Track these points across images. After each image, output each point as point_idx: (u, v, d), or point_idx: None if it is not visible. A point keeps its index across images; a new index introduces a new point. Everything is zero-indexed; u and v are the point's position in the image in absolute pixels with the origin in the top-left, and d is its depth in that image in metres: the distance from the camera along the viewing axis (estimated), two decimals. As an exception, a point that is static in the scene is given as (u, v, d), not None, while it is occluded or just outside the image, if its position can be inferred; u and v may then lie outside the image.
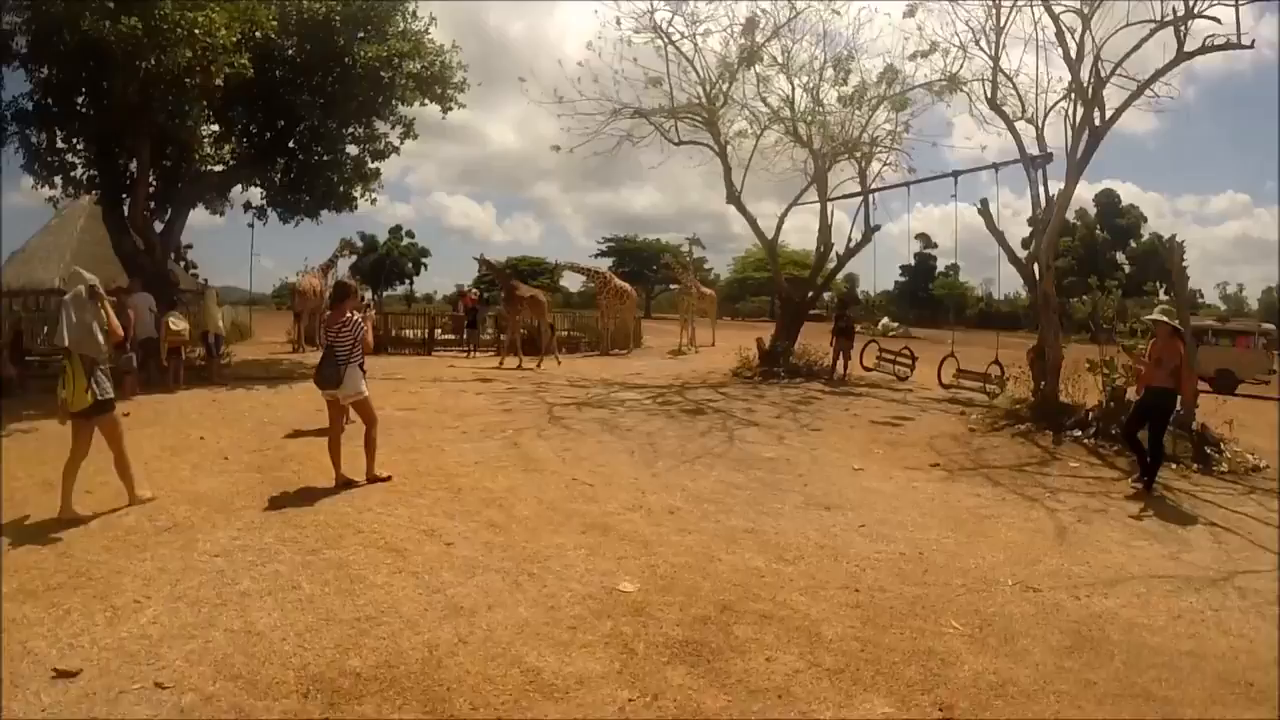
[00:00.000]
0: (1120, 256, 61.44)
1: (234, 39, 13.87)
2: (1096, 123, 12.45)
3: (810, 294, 19.48)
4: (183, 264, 76.83)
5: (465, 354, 22.00)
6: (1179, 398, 8.96)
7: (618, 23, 17.17)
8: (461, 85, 17.67)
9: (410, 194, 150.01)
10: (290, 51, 16.11)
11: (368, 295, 28.23)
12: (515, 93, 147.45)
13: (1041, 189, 13.65)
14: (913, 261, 69.67)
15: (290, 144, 17.76)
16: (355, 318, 7.24)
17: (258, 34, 15.36)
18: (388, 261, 68.44)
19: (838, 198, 19.03)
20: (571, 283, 73.25)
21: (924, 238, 67.39)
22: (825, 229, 18.73)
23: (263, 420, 10.81)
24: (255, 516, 6.40)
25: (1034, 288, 13.74)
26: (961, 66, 16.01)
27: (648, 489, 7.50)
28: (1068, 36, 12.72)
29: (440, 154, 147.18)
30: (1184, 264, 11.86)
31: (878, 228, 18.57)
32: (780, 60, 17.34)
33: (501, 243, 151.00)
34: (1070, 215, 58.84)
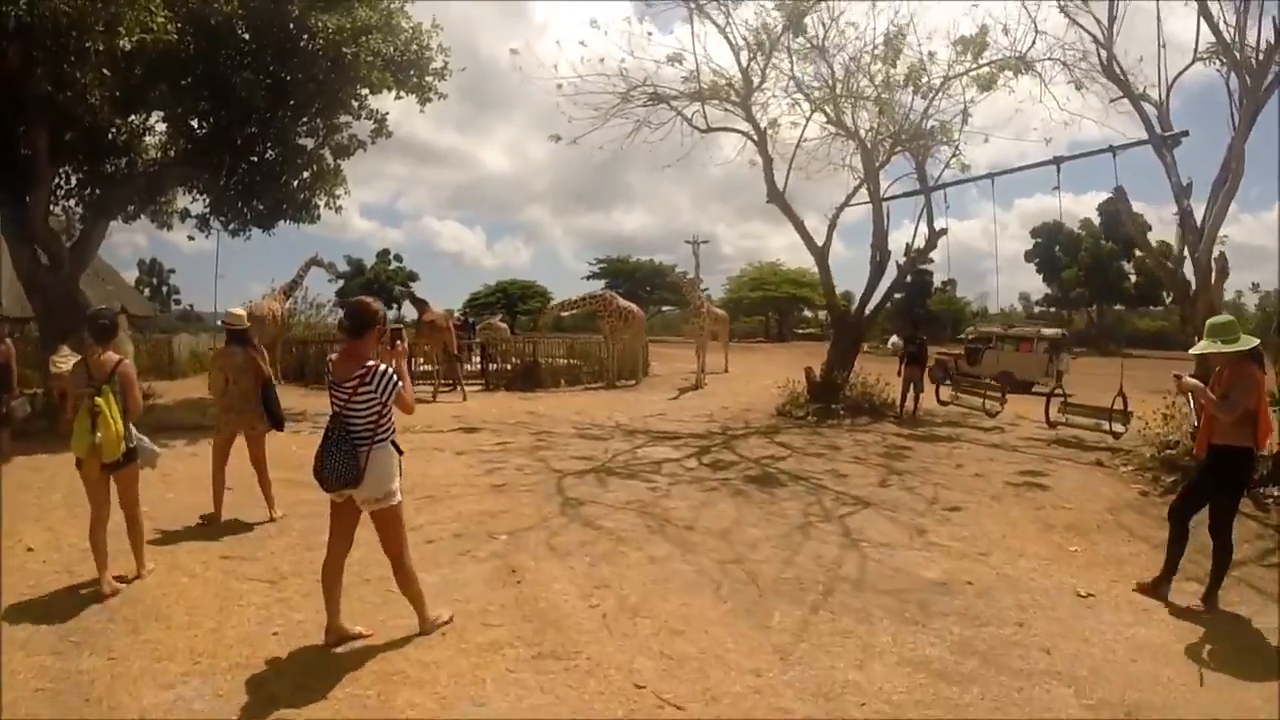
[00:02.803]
0: (1126, 266, 58.01)
1: None
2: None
3: (868, 313, 15.56)
4: (164, 289, 73.34)
5: (450, 389, 18.01)
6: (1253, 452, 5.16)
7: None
8: (442, 72, 13.92)
9: (402, 219, 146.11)
10: (233, 21, 12.33)
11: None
12: (506, 117, 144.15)
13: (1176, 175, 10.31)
14: (908, 278, 66.28)
15: (236, 139, 13.80)
16: (380, 366, 3.94)
17: None
18: (375, 286, 64.27)
19: (897, 196, 15.40)
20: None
21: (918, 252, 63.89)
22: (881, 234, 15.04)
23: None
24: None
25: (1185, 296, 10.12)
26: (1033, 44, 12.78)
27: (793, 711, 3.60)
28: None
29: (432, 178, 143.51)
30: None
31: (943, 231, 14.93)
32: (819, 37, 13.63)
33: (492, 266, 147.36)
34: (1074, 225, 55.72)
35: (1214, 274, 9.39)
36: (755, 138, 14.24)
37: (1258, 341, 5.12)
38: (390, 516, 4.10)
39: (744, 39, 13.29)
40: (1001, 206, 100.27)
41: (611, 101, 13.31)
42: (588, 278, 63.59)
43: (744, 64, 13.41)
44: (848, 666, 4.02)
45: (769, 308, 64.37)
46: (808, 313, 70.99)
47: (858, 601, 4.97)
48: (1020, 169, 13.89)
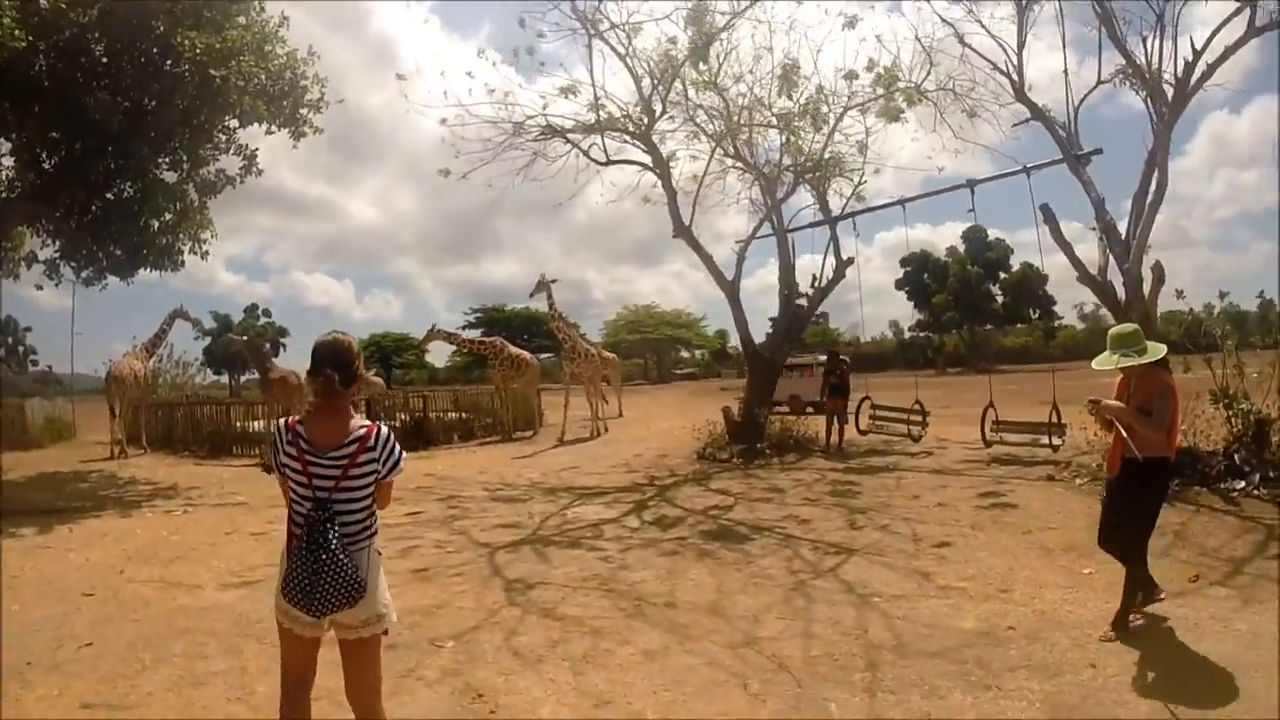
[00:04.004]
0: (995, 289, 62.37)
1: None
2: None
3: (782, 348, 15.10)
4: (20, 349, 65.62)
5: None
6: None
7: (521, 24, 12.73)
8: (317, 104, 12.65)
9: (269, 272, 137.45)
10: (88, 36, 10.83)
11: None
12: (374, 167, 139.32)
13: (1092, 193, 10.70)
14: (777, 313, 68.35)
15: (89, 173, 11.94)
16: (381, 426, 2.98)
17: (43, 3, 10.21)
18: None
19: (802, 227, 15.20)
20: (437, 356, 67.37)
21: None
22: (787, 269, 14.76)
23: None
24: None
25: (1117, 309, 10.18)
26: (928, 75, 13.15)
27: None
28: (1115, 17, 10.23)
29: (299, 230, 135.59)
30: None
31: (850, 261, 14.74)
32: (714, 70, 13.33)
33: (362, 319, 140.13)
34: (943, 254, 59.39)
35: (1149, 282, 9.53)
36: (657, 170, 13.64)
37: (1165, 349, 4.82)
38: (376, 644, 2.96)
39: (646, 67, 12.76)
40: (863, 241, 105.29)
41: (501, 135, 12.43)
42: (464, 327, 61.49)
43: (645, 93, 12.85)
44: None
45: (647, 350, 64.47)
46: (684, 353, 71.76)
47: (911, 672, 4.20)
48: (932, 194, 13.98)
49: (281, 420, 2.95)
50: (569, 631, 4.97)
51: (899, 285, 63.82)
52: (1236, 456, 8.39)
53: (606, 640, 4.77)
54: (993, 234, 60.02)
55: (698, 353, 72.47)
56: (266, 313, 72.56)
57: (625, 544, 7.40)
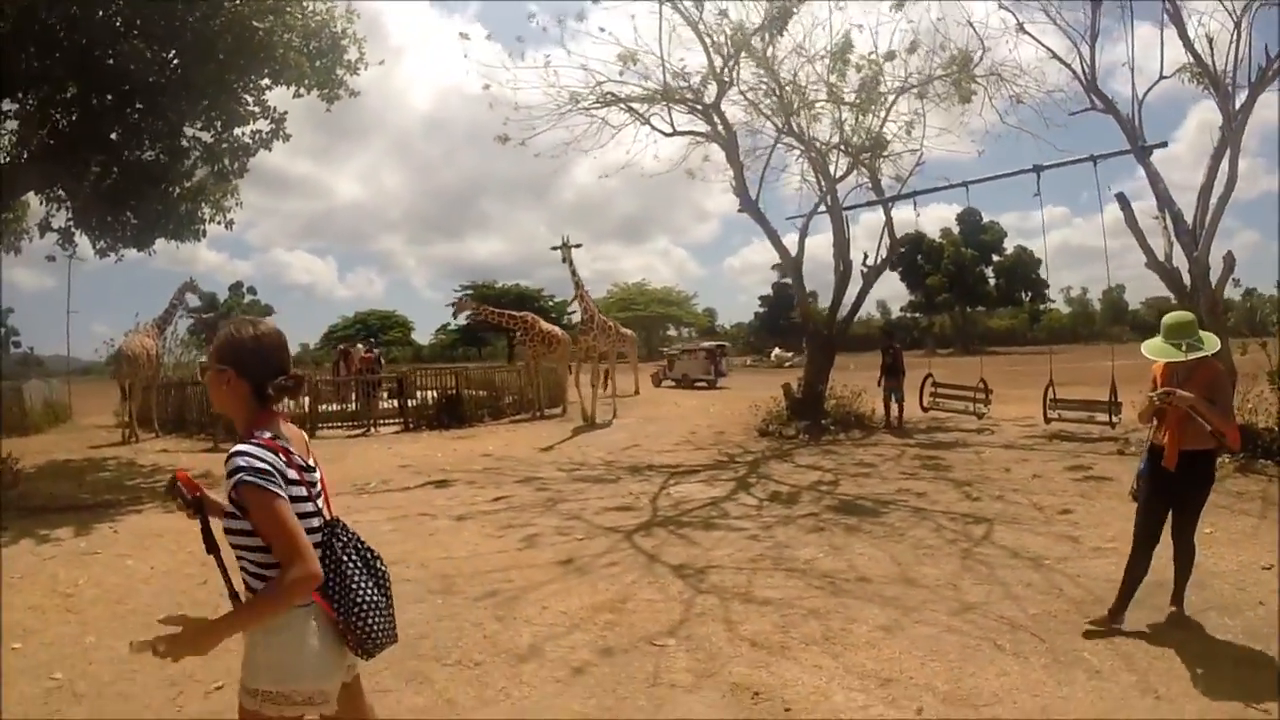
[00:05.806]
0: (988, 272, 63.75)
1: None
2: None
3: (840, 325, 15.55)
4: (1, 331, 64.22)
5: (363, 431, 16.69)
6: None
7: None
8: (355, 65, 12.42)
9: (251, 250, 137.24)
10: None
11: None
12: (360, 144, 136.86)
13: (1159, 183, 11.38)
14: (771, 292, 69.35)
15: (111, 131, 11.26)
16: None
17: None
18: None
19: (856, 206, 15.68)
20: (422, 334, 66.91)
21: (780, 268, 67.24)
22: (842, 244, 15.15)
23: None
24: None
25: (1183, 295, 10.73)
26: (980, 59, 13.60)
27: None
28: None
29: (283, 209, 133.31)
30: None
31: (905, 239, 15.20)
32: (768, 50, 13.53)
33: (345, 298, 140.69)
34: (935, 234, 60.42)
35: (1219, 270, 10.21)
36: (722, 143, 13.91)
37: (1219, 342, 4.90)
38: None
39: (720, 38, 12.99)
40: (851, 221, 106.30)
41: (557, 103, 12.74)
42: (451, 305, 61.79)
43: (717, 65, 13.07)
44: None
45: (637, 327, 64.85)
46: (673, 331, 72.39)
47: (1130, 618, 4.73)
48: (998, 177, 14.30)
49: (253, 445, 2.09)
50: (787, 615, 5.04)
51: (893, 266, 65.05)
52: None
53: (833, 620, 4.94)
54: (990, 217, 61.53)
55: (685, 330, 73.21)
56: (252, 290, 75.83)
57: (762, 522, 7.75)
